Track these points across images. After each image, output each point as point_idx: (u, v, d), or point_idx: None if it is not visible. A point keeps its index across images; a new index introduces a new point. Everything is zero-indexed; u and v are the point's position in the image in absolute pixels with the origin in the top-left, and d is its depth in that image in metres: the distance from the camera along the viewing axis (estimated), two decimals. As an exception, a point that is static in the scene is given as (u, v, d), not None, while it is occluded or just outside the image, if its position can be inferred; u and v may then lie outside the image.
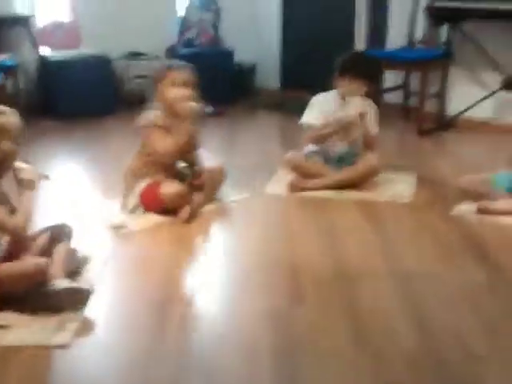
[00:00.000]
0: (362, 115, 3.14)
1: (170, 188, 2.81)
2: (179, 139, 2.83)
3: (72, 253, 2.26)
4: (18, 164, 2.14)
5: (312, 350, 1.81)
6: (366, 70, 3.21)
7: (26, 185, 2.10)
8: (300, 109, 3.36)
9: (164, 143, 2.83)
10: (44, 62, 4.91)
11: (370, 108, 3.25)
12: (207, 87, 5.42)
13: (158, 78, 2.88)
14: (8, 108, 2.16)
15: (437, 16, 4.15)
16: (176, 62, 3.00)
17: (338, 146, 3.26)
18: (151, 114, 2.88)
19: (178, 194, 2.81)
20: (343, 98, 3.21)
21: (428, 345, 1.82)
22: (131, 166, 2.93)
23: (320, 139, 3.22)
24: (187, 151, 2.96)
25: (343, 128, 3.19)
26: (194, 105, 2.83)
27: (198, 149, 3.04)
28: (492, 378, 1.68)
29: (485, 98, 4.22)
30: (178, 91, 2.83)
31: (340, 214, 2.92)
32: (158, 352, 1.81)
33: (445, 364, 1.73)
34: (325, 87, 3.30)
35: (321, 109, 3.23)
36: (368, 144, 3.27)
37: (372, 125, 3.25)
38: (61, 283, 2.06)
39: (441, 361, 1.75)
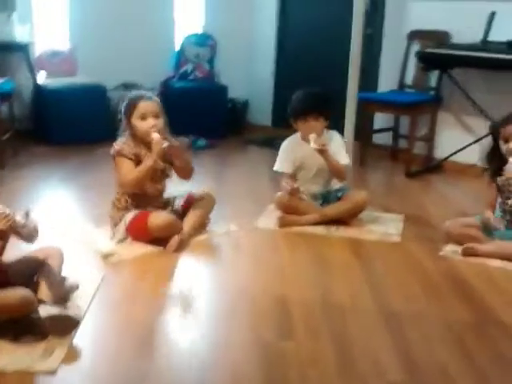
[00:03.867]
0: (320, 151, 3.13)
1: (157, 219, 2.83)
2: (142, 169, 2.84)
3: (61, 279, 2.25)
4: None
5: (300, 381, 1.82)
6: (326, 105, 3.24)
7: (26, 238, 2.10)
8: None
9: (126, 172, 2.85)
10: (40, 89, 4.95)
11: (335, 139, 3.28)
12: (200, 120, 5.55)
13: (127, 110, 2.90)
14: None
15: (427, 61, 4.26)
16: (143, 93, 3.00)
17: (315, 188, 3.31)
18: (119, 143, 2.91)
19: (167, 225, 2.83)
20: (305, 140, 3.23)
21: (413, 379, 1.84)
22: (112, 199, 2.96)
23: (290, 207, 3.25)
24: (156, 181, 2.97)
25: (319, 172, 3.26)
26: (157, 136, 2.83)
27: (168, 177, 3.06)
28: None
29: (472, 143, 4.31)
30: (148, 123, 2.86)
31: (329, 250, 2.95)
32: (142, 382, 1.81)
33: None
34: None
35: (289, 156, 3.29)
36: (337, 174, 3.27)
37: (340, 155, 3.24)
38: (49, 310, 2.06)
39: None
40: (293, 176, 3.31)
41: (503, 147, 2.89)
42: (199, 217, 3.05)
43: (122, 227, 2.88)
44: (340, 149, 3.27)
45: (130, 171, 2.85)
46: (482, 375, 1.88)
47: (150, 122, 2.87)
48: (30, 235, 2.09)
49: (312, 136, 3.13)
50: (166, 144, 2.84)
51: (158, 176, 2.98)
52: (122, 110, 2.93)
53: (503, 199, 2.94)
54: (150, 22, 5.35)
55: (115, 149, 2.89)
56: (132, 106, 2.89)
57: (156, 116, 2.89)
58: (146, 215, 2.85)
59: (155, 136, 2.83)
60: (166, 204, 3.07)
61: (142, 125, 2.87)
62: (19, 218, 2.05)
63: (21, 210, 2.07)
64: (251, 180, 4.24)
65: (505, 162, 2.86)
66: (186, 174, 3.05)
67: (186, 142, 3.04)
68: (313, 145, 3.12)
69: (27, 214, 2.08)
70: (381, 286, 2.54)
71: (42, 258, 2.21)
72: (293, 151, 3.31)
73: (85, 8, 5.08)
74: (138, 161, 2.89)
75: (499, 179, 2.92)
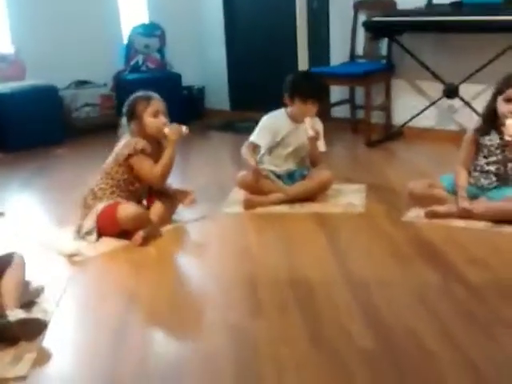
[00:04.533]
0: (313, 138, 3.18)
1: (126, 210, 2.80)
2: (166, 162, 2.92)
3: (25, 284, 2.22)
4: None
5: (272, 358, 1.83)
6: (322, 91, 3.32)
7: None
8: (250, 128, 3.42)
9: (150, 168, 2.91)
10: (-11, 96, 4.84)
11: (317, 126, 3.30)
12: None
13: (139, 107, 2.93)
14: None
15: (375, 30, 4.28)
16: (150, 92, 3.02)
17: (286, 166, 3.31)
18: (135, 142, 2.90)
19: (135, 216, 2.80)
20: (294, 119, 3.26)
21: (384, 344, 1.87)
22: (93, 188, 2.92)
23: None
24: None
25: (295, 152, 3.28)
26: (178, 127, 2.94)
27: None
28: (444, 373, 1.72)
29: (428, 107, 4.36)
30: (160, 120, 2.93)
31: (295, 226, 2.97)
32: (115, 380, 1.80)
33: (400, 361, 1.78)
34: (272, 106, 3.36)
35: (271, 130, 3.28)
36: (315, 161, 3.32)
37: (320, 142, 3.30)
38: (15, 314, 2.03)
39: (396, 358, 1.80)
40: (256, 153, 3.29)
41: (503, 107, 2.81)
42: (169, 211, 3.05)
43: (93, 215, 2.85)
44: (321, 136, 3.29)
45: (154, 167, 2.91)
46: (450, 333, 1.91)
47: (162, 119, 2.94)
48: None
49: (308, 120, 3.15)
50: (185, 129, 2.96)
51: None
52: (127, 109, 2.97)
53: (479, 158, 2.93)
54: (95, 16, 5.26)
55: (138, 148, 2.88)
56: (145, 103, 2.94)
57: (165, 114, 2.98)
58: (116, 206, 2.83)
59: (168, 129, 2.92)
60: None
61: (154, 122, 2.93)
62: None
63: None
64: (214, 165, 4.23)
65: (496, 122, 2.85)
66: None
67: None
68: (309, 131, 3.14)
69: None
70: (347, 257, 2.56)
71: (2, 265, 2.17)
72: (276, 126, 3.28)
73: (24, 8, 4.96)
74: (151, 158, 2.94)
75: (487, 138, 2.90)
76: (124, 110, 3.01)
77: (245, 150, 3.27)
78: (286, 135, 3.27)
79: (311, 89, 3.23)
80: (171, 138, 2.94)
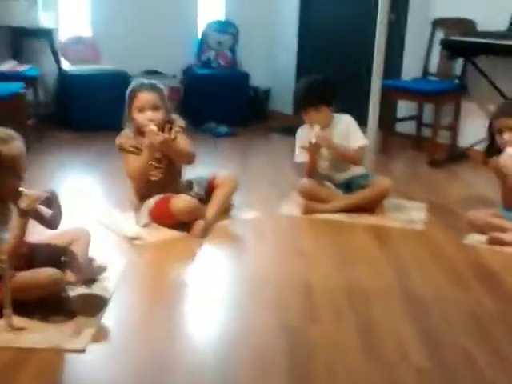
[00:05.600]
0: (315, 145, 3.12)
1: (180, 203, 2.82)
2: (140, 163, 2.85)
3: (88, 260, 2.29)
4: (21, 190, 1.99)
5: (325, 364, 1.84)
6: (324, 94, 3.22)
7: (21, 214, 1.99)
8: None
9: (128, 166, 2.89)
10: (64, 75, 4.99)
11: (343, 122, 3.26)
12: (222, 108, 5.55)
13: (128, 99, 2.89)
14: (11, 133, 2.04)
15: (452, 49, 4.22)
16: (144, 82, 2.94)
17: (338, 176, 3.30)
18: (122, 136, 2.92)
19: (189, 209, 2.83)
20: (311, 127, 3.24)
21: (438, 364, 1.85)
22: (131, 188, 2.98)
23: (311, 172, 3.25)
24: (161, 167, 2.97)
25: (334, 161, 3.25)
26: (151, 129, 2.78)
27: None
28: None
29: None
30: (145, 115, 2.84)
31: (352, 236, 2.96)
32: (170, 362, 1.84)
33: (454, 382, 1.76)
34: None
35: (301, 143, 3.27)
36: (349, 161, 3.25)
37: (352, 138, 3.23)
38: (77, 290, 2.09)
39: (450, 380, 1.78)
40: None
41: (498, 140, 2.88)
42: (222, 202, 3.05)
43: (145, 212, 2.91)
44: (351, 131, 3.24)
45: (131, 165, 2.88)
46: (504, 359, 1.88)
47: (147, 114, 2.84)
48: (52, 222, 2.07)
49: (315, 129, 3.13)
50: (159, 138, 2.77)
51: (163, 163, 2.97)
52: (125, 99, 2.92)
53: None
54: (173, 9, 5.36)
55: (116, 143, 2.92)
56: (131, 97, 2.88)
57: (155, 108, 2.85)
58: (168, 199, 2.86)
59: (149, 129, 2.79)
60: (184, 189, 3.06)
61: (139, 117, 2.87)
62: (43, 204, 2.02)
63: (46, 192, 2.05)
64: (273, 167, 4.24)
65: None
66: (183, 160, 3.01)
67: (182, 123, 3.00)
68: (312, 139, 3.11)
69: (52, 199, 2.05)
70: (405, 272, 2.54)
71: (67, 241, 2.24)
72: (305, 139, 3.28)
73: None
74: (140, 152, 2.89)
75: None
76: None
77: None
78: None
79: (300, 99, 3.24)
80: (147, 137, 2.78)
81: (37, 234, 2.25)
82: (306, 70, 5.64)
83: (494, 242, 2.81)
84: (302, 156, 3.28)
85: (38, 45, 4.90)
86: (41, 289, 1.99)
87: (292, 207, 3.28)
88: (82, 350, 1.85)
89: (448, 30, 4.40)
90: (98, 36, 5.11)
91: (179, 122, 3.01)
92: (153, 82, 2.96)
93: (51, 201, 2.04)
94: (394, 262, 2.65)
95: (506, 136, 2.84)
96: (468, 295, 2.35)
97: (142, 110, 2.85)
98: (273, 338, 1.99)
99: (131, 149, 2.90)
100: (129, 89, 2.92)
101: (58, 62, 4.95)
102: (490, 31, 4.10)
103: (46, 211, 2.03)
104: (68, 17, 5.14)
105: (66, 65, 5.06)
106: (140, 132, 2.89)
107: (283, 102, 5.81)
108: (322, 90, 3.26)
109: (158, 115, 2.87)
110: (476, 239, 2.88)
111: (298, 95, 3.29)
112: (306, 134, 3.29)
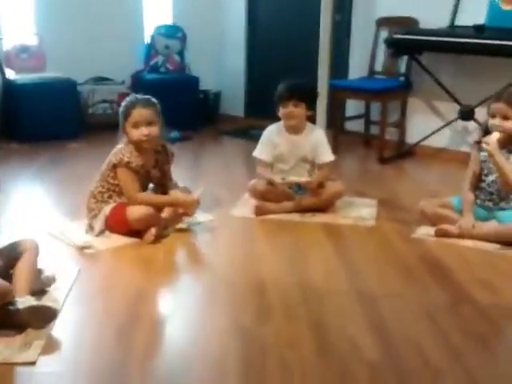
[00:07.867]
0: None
1: (136, 211, 2.82)
2: (156, 200, 2.94)
3: (37, 271, 2.25)
4: None
5: (278, 363, 1.85)
6: (308, 93, 3.32)
7: None
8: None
9: (131, 188, 2.87)
10: (8, 85, 4.89)
11: (316, 134, 3.31)
12: (172, 113, 5.48)
13: (123, 116, 2.90)
14: None
15: (396, 47, 4.30)
16: (139, 98, 2.94)
17: (295, 177, 3.31)
18: (123, 153, 2.88)
19: (145, 216, 2.82)
20: (291, 130, 3.28)
21: (390, 357, 1.88)
22: (93, 191, 2.94)
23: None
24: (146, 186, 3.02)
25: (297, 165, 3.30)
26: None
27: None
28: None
29: (442, 127, 4.38)
30: (140, 131, 2.86)
31: (304, 235, 2.99)
32: (122, 372, 1.82)
33: (405, 375, 1.79)
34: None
35: (269, 143, 3.30)
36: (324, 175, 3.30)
37: (323, 152, 3.28)
38: (25, 301, 2.05)
39: (402, 372, 1.81)
40: (269, 165, 3.32)
41: (490, 122, 2.92)
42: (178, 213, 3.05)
43: (101, 218, 2.87)
44: (321, 145, 3.29)
45: (134, 187, 2.87)
46: (456, 352, 1.92)
47: (142, 130, 2.86)
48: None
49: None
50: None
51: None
52: (120, 115, 2.94)
53: (483, 178, 2.96)
54: (119, 14, 5.31)
55: (123, 160, 2.86)
56: (125, 114, 2.89)
57: (150, 123, 2.88)
58: (124, 207, 2.84)
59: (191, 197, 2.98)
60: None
61: (133, 133, 2.88)
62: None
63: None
64: (226, 169, 4.25)
65: None
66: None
67: (172, 150, 3.15)
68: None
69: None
70: (356, 269, 2.58)
71: (17, 252, 2.19)
72: (273, 139, 3.31)
73: (51, 1, 5.01)
74: (142, 171, 2.91)
75: (482, 154, 2.95)
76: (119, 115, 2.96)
77: (259, 170, 3.31)
78: (282, 150, 3.30)
79: (286, 89, 3.26)
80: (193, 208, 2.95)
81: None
82: (256, 72, 5.69)
83: (440, 234, 2.87)
84: (262, 154, 3.30)
85: (-19, 55, 4.79)
86: None
87: (244, 209, 3.30)
88: (33, 363, 1.81)
89: (392, 28, 4.48)
90: (43, 44, 5.02)
91: (171, 148, 3.11)
92: (146, 96, 2.96)
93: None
94: (346, 259, 2.69)
95: (496, 121, 2.87)
96: (417, 288, 2.40)
97: (136, 125, 2.87)
98: (227, 340, 1.99)
99: (138, 168, 2.89)
100: (123, 105, 2.93)
101: (1, 71, 4.84)
102: (432, 29, 4.20)
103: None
104: (12, 25, 5.03)
105: (10, 74, 4.96)
106: (137, 148, 2.89)
107: (234, 104, 5.84)
108: (309, 90, 3.37)
109: (153, 130, 2.89)
110: (424, 232, 2.95)
111: (283, 87, 3.29)
112: (273, 134, 3.32)
